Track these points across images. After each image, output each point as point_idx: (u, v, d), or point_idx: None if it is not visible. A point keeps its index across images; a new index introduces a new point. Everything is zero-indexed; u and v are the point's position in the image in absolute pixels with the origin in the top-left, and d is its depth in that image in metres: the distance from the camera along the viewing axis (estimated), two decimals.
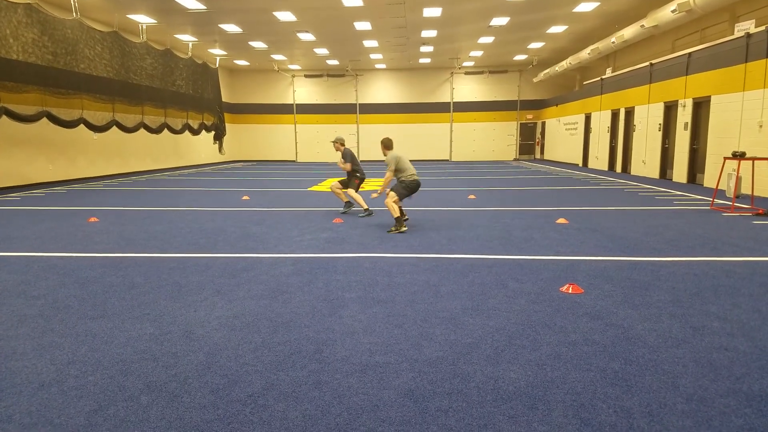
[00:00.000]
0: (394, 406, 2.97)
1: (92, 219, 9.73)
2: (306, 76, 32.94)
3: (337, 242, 7.63)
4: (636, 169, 19.73)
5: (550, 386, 3.18)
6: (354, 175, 10.32)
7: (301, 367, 3.47)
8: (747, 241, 7.42)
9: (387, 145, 8.93)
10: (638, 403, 2.97)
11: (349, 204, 10.61)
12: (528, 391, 3.11)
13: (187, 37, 22.34)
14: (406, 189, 8.57)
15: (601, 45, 21.17)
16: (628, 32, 18.50)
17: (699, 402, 2.98)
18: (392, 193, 8.44)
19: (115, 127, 18.10)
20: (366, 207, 10.13)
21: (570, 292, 5.04)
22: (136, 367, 3.47)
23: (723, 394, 3.07)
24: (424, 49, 25.64)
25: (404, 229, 8.29)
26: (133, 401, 3.03)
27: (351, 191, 10.25)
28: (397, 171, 8.61)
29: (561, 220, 9.27)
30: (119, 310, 4.62)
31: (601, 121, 23.04)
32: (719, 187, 12.02)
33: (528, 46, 25.40)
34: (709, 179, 14.79)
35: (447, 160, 32.91)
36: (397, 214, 8.29)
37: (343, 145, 10.54)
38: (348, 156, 10.35)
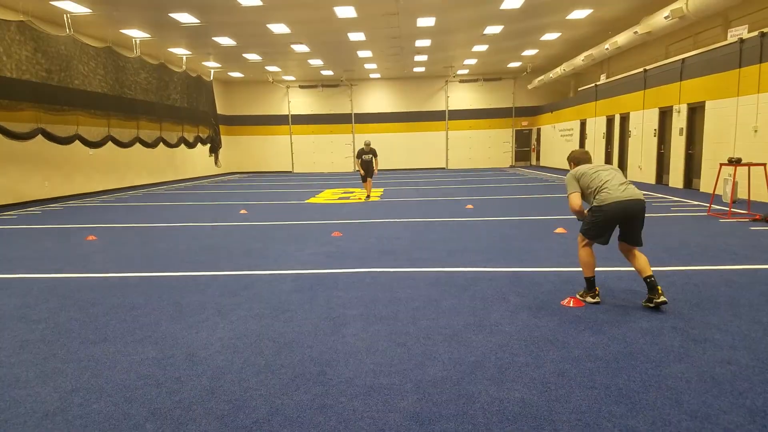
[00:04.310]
0: (400, 430, 2.96)
1: (90, 237, 9.71)
2: (300, 86, 33.01)
3: (336, 257, 7.63)
4: (632, 174, 19.79)
5: (555, 405, 3.18)
6: None
7: (305, 390, 3.47)
8: (745, 248, 7.45)
9: None
10: (643, 422, 2.98)
11: None
12: (533, 412, 3.11)
13: (181, 51, 22.39)
14: None
15: (594, 51, 21.28)
16: (622, 38, 18.61)
17: (703, 419, 2.99)
18: None
19: (110, 143, 18.08)
20: None
21: (571, 305, 5.05)
22: (139, 394, 3.46)
23: (726, 410, 3.08)
24: (418, 58, 25.73)
25: None
26: (138, 429, 3.02)
27: None
28: None
29: (560, 230, 9.29)
30: (121, 333, 4.61)
31: (597, 128, 23.13)
32: (716, 192, 12.03)
33: (522, 54, 25.51)
34: (705, 184, 14.85)
35: (443, 168, 32.97)
36: None
37: None
38: None
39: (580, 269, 5.37)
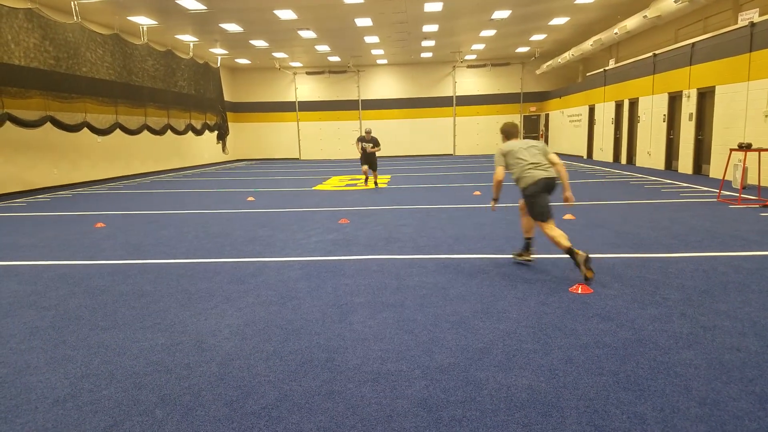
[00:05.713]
0: (408, 416, 2.97)
1: (99, 224, 9.76)
2: (307, 73, 32.88)
3: (343, 244, 7.63)
4: (641, 160, 19.65)
5: (562, 392, 3.18)
6: None
7: (313, 377, 3.48)
8: (755, 234, 7.39)
9: None
10: (651, 408, 2.97)
11: None
12: (541, 398, 3.12)
13: (188, 38, 22.33)
14: None
15: (603, 36, 21.05)
16: (631, 23, 18.38)
17: (712, 406, 2.98)
18: None
19: (118, 130, 18.12)
20: None
21: (579, 292, 5.03)
22: (149, 380, 3.49)
23: (736, 397, 3.06)
24: (425, 43, 25.55)
25: None
26: (148, 415, 3.05)
27: None
28: None
29: (567, 216, 9.25)
30: (130, 320, 4.64)
31: (605, 113, 22.94)
32: (725, 178, 11.95)
33: (530, 38, 25.27)
34: (715, 170, 14.72)
35: (450, 155, 32.85)
36: None
37: None
38: None
39: (590, 255, 5.33)
